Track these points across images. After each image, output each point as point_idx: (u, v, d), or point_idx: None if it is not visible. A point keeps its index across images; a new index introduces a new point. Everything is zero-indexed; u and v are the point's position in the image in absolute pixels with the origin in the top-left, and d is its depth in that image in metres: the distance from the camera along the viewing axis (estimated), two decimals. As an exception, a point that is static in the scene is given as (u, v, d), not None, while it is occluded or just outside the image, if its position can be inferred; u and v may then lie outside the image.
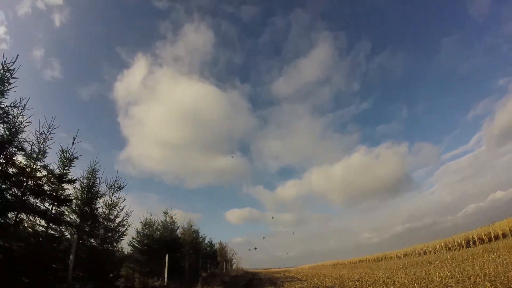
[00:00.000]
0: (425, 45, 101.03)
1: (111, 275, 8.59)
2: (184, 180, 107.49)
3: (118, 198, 9.27)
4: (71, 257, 5.96)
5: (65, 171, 7.30)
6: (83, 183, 8.35)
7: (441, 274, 9.30)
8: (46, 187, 6.80)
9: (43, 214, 6.50)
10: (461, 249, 22.21)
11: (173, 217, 15.84)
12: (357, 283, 10.46)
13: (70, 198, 7.36)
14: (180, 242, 16.16)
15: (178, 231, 16.97)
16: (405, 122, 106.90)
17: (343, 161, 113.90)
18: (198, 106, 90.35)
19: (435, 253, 25.08)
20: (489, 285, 6.01)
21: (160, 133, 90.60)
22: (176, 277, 12.54)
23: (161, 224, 15.08)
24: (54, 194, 6.86)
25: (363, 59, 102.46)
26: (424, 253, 27.66)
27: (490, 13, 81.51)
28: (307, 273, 23.17)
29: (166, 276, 11.31)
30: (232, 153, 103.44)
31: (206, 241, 25.86)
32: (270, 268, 72.27)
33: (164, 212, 15.80)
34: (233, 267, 37.48)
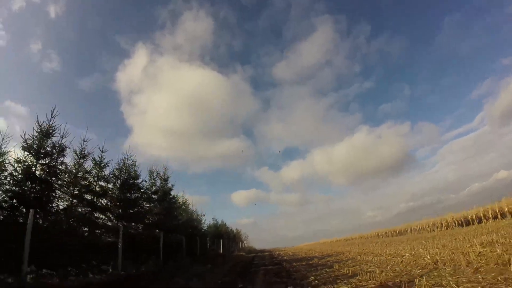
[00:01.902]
0: (426, 25, 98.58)
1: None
2: (189, 165, 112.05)
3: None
4: (119, 245, 8.51)
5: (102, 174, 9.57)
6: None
7: (387, 251, 12.67)
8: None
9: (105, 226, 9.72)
10: (451, 228, 24.77)
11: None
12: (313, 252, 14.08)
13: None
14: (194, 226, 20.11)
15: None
16: (408, 101, 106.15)
17: (345, 141, 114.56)
18: (200, 92, 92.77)
19: (429, 231, 27.65)
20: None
21: (163, 120, 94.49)
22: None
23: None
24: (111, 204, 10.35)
25: (363, 42, 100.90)
26: (418, 230, 30.21)
27: None
28: (301, 249, 27.26)
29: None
30: (237, 137, 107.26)
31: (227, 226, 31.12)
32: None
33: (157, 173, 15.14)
34: (246, 245, 44.94)
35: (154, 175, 13.27)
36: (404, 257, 8.99)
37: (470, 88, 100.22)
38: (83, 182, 8.14)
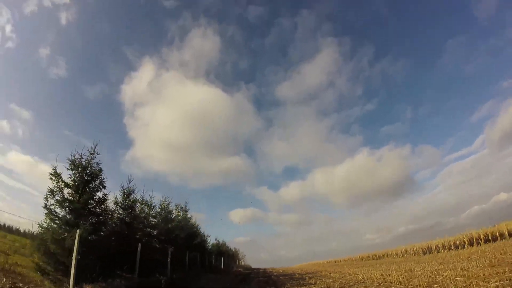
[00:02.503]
0: (429, 48, 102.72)
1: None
2: (189, 180, 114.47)
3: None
4: (169, 259, 13.72)
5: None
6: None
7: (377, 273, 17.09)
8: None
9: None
10: (441, 251, 26.42)
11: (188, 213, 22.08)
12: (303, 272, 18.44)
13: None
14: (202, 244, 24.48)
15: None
16: (409, 123, 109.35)
17: (346, 163, 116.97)
18: (203, 108, 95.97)
19: (425, 254, 28.53)
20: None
21: (166, 134, 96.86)
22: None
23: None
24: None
25: (366, 64, 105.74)
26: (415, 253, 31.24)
27: (495, 15, 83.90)
28: (292, 269, 31.34)
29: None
30: (237, 155, 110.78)
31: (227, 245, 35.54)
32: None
33: (181, 207, 18.98)
34: (242, 263, 48.72)
35: (179, 208, 18.07)
36: (355, 275, 13.49)
37: (471, 111, 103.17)
38: (145, 222, 12.83)
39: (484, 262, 10.56)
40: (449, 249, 25.59)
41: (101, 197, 8.84)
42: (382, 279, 11.05)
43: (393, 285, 8.74)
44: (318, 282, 11.59)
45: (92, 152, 8.90)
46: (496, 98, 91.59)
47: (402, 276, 10.19)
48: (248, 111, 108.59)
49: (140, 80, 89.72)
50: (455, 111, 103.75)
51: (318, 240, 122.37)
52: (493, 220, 25.11)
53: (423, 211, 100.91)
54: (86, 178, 8.46)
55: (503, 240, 20.85)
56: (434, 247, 28.28)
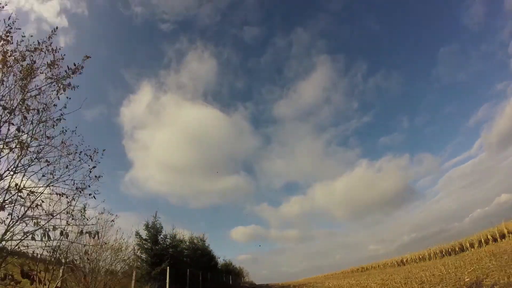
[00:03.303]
0: (422, 58, 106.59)
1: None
2: (189, 200, 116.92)
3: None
4: (200, 279, 19.63)
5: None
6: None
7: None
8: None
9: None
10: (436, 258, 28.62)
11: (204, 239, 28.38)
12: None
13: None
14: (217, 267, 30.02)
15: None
16: (406, 133, 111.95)
17: (345, 176, 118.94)
18: (202, 130, 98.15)
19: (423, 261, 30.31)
20: None
21: (165, 156, 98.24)
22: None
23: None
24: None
25: (360, 79, 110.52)
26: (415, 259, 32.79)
27: (484, 22, 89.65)
28: (291, 282, 36.65)
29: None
30: (237, 173, 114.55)
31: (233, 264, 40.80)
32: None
33: (200, 238, 24.98)
34: (246, 280, 53.70)
35: (199, 239, 23.95)
36: (328, 285, 19.21)
37: (467, 116, 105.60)
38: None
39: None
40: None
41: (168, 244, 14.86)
42: (349, 286, 16.76)
43: None
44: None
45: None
46: (491, 101, 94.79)
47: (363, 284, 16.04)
48: (246, 130, 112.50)
49: (139, 103, 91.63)
50: (451, 117, 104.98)
51: (320, 254, 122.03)
52: (495, 222, 25.23)
53: (426, 218, 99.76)
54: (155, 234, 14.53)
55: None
56: (427, 255, 30.37)
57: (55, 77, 4.87)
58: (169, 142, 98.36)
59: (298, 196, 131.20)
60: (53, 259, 4.99)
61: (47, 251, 4.45)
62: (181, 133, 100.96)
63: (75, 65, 5.01)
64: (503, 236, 22.84)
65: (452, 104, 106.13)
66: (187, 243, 20.68)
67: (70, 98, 5.02)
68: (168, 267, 12.38)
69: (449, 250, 27.71)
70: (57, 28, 5.12)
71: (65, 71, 4.92)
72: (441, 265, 15.79)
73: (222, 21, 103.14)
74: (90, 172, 4.86)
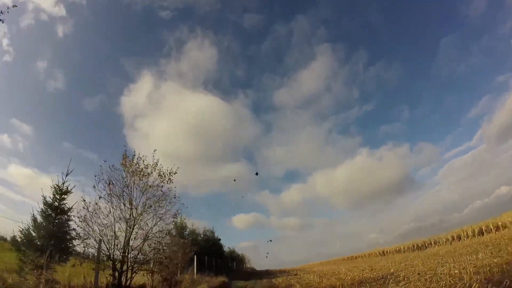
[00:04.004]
0: (423, 48, 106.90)
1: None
2: (190, 189, 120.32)
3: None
4: (213, 264, 24.37)
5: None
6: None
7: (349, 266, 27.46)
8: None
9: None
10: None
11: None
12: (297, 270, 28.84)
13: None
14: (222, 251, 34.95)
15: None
16: (407, 122, 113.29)
17: (346, 164, 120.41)
18: (202, 118, 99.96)
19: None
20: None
21: (165, 144, 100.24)
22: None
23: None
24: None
25: (361, 68, 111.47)
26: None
27: (486, 14, 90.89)
28: (289, 268, 41.75)
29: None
30: (238, 161, 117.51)
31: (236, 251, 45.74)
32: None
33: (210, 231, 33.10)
34: (248, 266, 59.32)
35: (210, 232, 28.69)
36: (318, 270, 23.91)
37: (468, 107, 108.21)
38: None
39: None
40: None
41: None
42: (331, 272, 21.32)
43: (328, 275, 19.19)
44: (298, 274, 21.86)
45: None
46: (492, 93, 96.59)
47: (343, 271, 20.62)
48: (247, 117, 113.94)
49: (139, 92, 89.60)
50: (452, 108, 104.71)
51: (321, 242, 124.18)
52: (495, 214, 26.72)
53: (426, 208, 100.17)
54: (182, 231, 18.97)
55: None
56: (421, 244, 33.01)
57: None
58: (169, 130, 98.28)
59: (298, 184, 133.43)
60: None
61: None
62: (181, 121, 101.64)
63: None
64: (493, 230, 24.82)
65: (453, 95, 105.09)
66: (201, 236, 25.37)
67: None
68: (195, 256, 16.84)
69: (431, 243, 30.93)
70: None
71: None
72: (410, 258, 20.41)
73: (222, 8, 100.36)
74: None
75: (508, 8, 76.19)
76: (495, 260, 9.14)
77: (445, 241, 28.30)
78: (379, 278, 10.96)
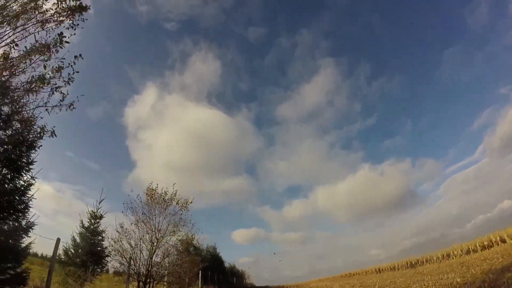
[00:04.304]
0: (426, 60, 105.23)
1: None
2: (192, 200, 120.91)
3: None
4: (215, 278, 25.86)
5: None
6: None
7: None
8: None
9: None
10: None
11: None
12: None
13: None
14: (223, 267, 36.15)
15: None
16: (409, 136, 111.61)
17: (348, 179, 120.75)
18: (205, 130, 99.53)
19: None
20: None
21: (168, 156, 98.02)
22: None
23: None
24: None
25: (363, 82, 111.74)
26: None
27: (488, 24, 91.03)
28: (287, 285, 42.60)
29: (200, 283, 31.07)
30: (240, 174, 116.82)
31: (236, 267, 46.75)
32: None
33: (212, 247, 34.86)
34: (248, 281, 60.07)
35: (212, 248, 30.14)
36: (318, 285, 25.20)
37: (471, 120, 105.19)
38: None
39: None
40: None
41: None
42: (323, 286, 22.69)
43: None
44: None
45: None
46: (495, 105, 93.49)
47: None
48: (249, 131, 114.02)
49: (143, 103, 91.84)
50: (455, 121, 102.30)
51: (322, 257, 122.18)
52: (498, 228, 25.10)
53: (428, 223, 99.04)
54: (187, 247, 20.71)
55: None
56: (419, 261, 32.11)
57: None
58: (172, 142, 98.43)
59: (300, 199, 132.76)
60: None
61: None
62: (184, 134, 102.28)
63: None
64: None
65: (455, 107, 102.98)
66: (205, 252, 26.85)
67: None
68: (200, 271, 18.40)
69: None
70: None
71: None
72: (399, 275, 21.85)
73: (226, 21, 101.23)
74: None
75: (510, 18, 73.19)
76: (458, 280, 10.80)
77: (435, 259, 29.58)
78: None
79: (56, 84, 5.91)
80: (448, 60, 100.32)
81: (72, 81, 6.36)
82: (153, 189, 10.78)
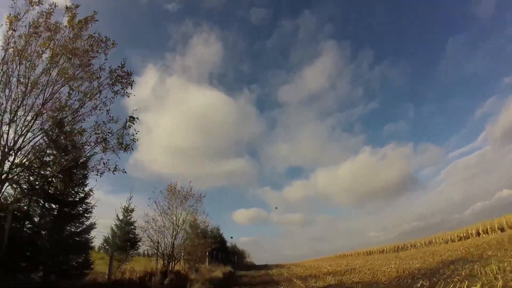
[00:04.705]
0: (430, 47, 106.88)
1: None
2: (193, 182, 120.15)
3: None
4: (219, 257, 29.17)
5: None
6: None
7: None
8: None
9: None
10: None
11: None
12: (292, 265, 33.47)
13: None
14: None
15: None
16: (412, 121, 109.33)
17: (349, 162, 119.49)
18: (207, 112, 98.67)
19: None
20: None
21: (169, 138, 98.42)
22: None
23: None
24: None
25: (366, 67, 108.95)
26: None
27: (495, 15, 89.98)
28: (287, 263, 46.54)
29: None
30: (241, 156, 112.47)
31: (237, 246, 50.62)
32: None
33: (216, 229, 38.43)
34: (248, 260, 64.47)
35: (215, 230, 33.30)
36: (304, 266, 28.46)
37: (474, 108, 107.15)
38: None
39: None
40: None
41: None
42: (315, 266, 25.70)
43: (312, 268, 23.63)
44: (290, 267, 26.30)
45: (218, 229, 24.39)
46: (498, 95, 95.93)
47: (328, 266, 25.12)
48: (251, 113, 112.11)
49: (144, 85, 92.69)
50: (457, 109, 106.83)
51: (322, 239, 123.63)
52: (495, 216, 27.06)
53: (428, 208, 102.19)
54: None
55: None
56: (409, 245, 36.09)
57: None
58: (174, 124, 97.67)
59: (301, 180, 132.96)
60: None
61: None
62: (186, 116, 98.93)
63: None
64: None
65: (458, 95, 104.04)
66: (209, 233, 29.99)
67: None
68: (207, 250, 21.42)
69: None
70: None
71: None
72: (382, 258, 24.93)
73: (228, 2, 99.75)
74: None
75: (516, 9, 71.02)
76: (417, 265, 13.36)
77: (419, 246, 32.64)
78: (344, 271, 15.30)
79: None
80: (452, 48, 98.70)
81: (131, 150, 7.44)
82: (173, 187, 13.33)
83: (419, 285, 7.74)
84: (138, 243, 12.44)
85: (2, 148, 6.06)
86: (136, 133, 7.24)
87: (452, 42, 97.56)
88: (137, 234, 12.63)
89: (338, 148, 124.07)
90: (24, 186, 7.29)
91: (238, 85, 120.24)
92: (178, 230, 12.80)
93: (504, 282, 6.02)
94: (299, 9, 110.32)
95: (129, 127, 6.97)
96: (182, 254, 13.69)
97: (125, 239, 12.06)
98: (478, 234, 26.31)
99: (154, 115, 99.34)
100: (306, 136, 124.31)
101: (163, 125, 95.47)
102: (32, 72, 6.63)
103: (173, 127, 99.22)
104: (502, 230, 24.27)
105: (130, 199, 12.99)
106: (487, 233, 25.49)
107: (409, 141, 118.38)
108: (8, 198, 7.03)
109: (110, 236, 12.39)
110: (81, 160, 7.78)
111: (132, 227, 12.68)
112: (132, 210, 12.87)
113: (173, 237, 12.67)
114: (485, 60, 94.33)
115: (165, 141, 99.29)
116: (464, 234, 28.10)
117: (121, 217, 12.60)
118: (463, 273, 8.28)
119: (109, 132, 6.92)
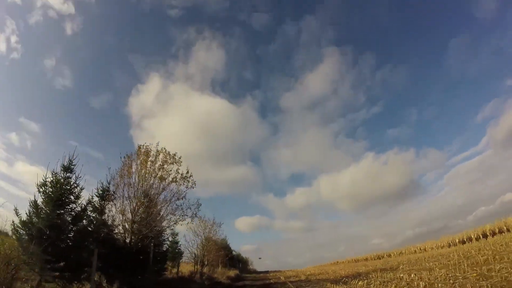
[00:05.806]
0: (432, 49, 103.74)
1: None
2: (195, 189, 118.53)
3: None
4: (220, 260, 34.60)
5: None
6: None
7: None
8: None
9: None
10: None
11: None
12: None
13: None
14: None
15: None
16: (414, 126, 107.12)
17: (352, 168, 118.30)
18: (209, 120, 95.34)
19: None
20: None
21: (172, 146, 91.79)
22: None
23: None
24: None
25: (368, 71, 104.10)
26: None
27: (496, 16, 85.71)
28: (281, 270, 51.80)
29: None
30: (244, 163, 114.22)
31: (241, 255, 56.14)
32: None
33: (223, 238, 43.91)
34: (251, 267, 70.04)
35: (224, 241, 38.87)
36: (302, 271, 33.87)
37: (475, 111, 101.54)
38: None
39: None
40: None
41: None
42: (309, 272, 31.04)
43: (307, 273, 29.09)
44: (286, 272, 31.64)
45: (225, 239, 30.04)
46: (500, 97, 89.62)
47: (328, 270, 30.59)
48: (254, 120, 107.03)
49: (147, 93, 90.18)
50: (459, 112, 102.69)
51: (325, 245, 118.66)
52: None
53: (430, 214, 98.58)
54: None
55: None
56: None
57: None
58: (177, 131, 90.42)
59: (303, 187, 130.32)
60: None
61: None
62: (189, 123, 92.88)
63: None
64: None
65: (460, 98, 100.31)
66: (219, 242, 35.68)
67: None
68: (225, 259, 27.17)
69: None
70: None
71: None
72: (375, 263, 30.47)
73: (231, 7, 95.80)
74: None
75: (518, 10, 71.75)
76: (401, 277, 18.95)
77: (410, 252, 37.09)
78: (336, 276, 20.71)
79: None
80: (454, 51, 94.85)
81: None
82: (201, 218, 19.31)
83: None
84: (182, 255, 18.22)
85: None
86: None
87: (454, 44, 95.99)
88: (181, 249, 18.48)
89: (340, 154, 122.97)
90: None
91: (240, 91, 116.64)
92: (206, 244, 18.59)
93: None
94: (301, 14, 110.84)
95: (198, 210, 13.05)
96: (208, 261, 19.50)
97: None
98: (477, 238, 25.81)
99: (158, 122, 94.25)
100: (309, 142, 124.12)
101: (166, 132, 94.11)
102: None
103: (176, 134, 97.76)
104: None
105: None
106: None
107: (411, 146, 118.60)
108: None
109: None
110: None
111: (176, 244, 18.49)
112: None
113: (204, 249, 18.48)
114: (487, 62, 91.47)
115: (168, 148, 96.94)
116: (450, 241, 29.25)
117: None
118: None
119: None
